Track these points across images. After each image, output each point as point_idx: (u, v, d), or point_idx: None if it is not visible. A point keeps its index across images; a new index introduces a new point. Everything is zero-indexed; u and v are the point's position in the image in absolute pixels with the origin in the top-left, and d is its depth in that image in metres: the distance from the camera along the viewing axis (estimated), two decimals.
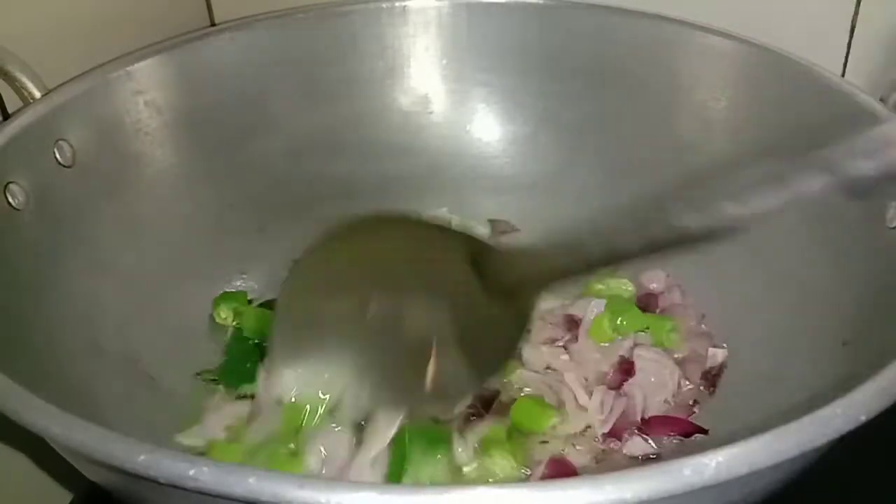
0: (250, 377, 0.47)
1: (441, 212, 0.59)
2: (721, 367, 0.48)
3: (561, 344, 0.49)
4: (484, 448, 0.42)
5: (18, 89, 0.45)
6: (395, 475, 0.39)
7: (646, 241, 0.37)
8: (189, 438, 0.44)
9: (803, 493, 0.33)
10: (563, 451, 0.44)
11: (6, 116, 0.47)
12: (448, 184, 0.59)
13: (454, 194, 0.59)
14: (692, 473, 0.24)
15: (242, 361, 0.48)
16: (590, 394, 0.46)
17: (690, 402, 0.47)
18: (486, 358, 0.42)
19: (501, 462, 0.41)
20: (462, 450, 0.41)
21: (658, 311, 0.52)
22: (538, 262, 0.42)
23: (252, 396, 0.47)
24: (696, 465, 0.25)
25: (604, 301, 0.51)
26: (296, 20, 0.56)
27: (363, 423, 0.41)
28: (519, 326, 0.43)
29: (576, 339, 0.49)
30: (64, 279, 0.43)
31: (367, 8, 0.57)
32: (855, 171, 0.31)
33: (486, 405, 0.44)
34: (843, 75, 0.56)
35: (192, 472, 0.25)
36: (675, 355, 0.49)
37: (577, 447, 0.44)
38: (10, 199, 0.41)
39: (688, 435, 0.45)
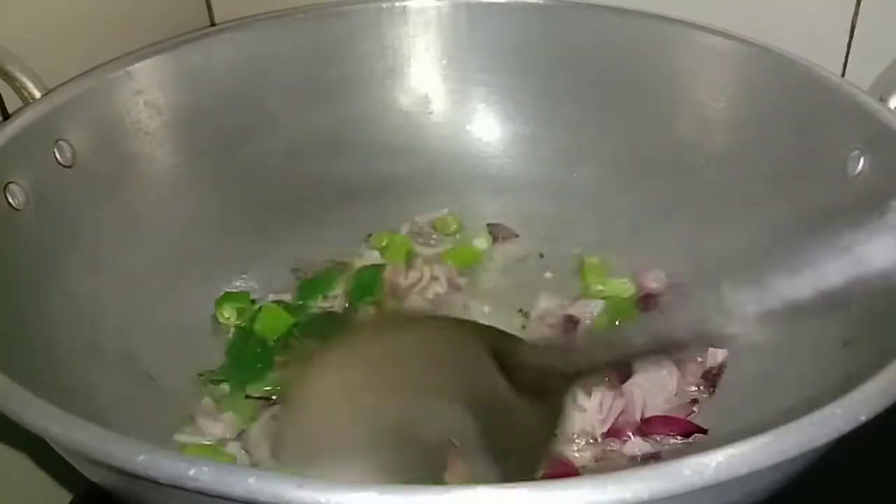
0: (260, 377, 0.48)
1: (441, 213, 0.59)
2: (721, 367, 0.48)
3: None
4: None
5: (18, 89, 0.45)
6: None
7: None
8: (189, 437, 0.44)
9: (803, 493, 0.33)
10: (563, 451, 0.44)
11: (6, 116, 0.47)
12: (448, 184, 0.59)
13: (454, 194, 0.59)
14: (692, 473, 0.24)
15: (252, 362, 0.49)
16: (589, 394, 0.46)
17: (690, 402, 0.47)
18: (516, 457, 0.39)
19: None
20: None
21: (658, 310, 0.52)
22: (568, 355, 0.42)
23: (261, 398, 0.47)
24: (696, 465, 0.25)
25: (602, 302, 0.51)
26: (296, 20, 0.56)
27: None
28: (551, 421, 0.41)
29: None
30: (64, 279, 0.43)
31: (367, 8, 0.57)
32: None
33: None
34: (843, 75, 0.56)
35: (192, 472, 0.25)
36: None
37: (577, 447, 0.44)
38: (10, 199, 0.41)
39: (688, 435, 0.45)
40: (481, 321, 0.47)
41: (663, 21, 0.54)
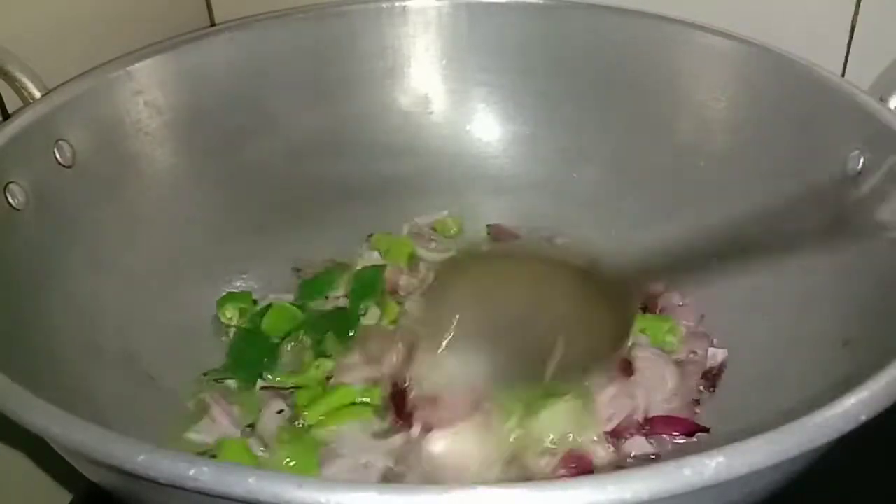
0: (268, 370, 0.48)
1: (441, 215, 0.59)
2: (721, 367, 0.48)
3: None
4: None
5: (18, 89, 0.45)
6: None
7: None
8: (197, 435, 0.44)
9: (803, 493, 0.33)
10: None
11: (6, 116, 0.47)
12: (448, 184, 0.59)
13: (454, 194, 0.59)
14: (692, 473, 0.24)
15: (257, 358, 0.49)
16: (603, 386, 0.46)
17: (693, 403, 0.47)
18: (596, 352, 0.47)
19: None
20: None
21: (658, 311, 0.52)
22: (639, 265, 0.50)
23: (278, 388, 0.47)
24: (696, 465, 0.25)
25: None
26: (296, 20, 0.56)
27: None
28: (627, 321, 0.49)
29: None
30: (64, 279, 0.43)
31: (367, 8, 0.57)
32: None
33: None
34: (843, 75, 0.56)
35: (191, 472, 0.25)
36: (675, 356, 0.49)
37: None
38: (10, 199, 0.41)
39: (690, 434, 0.45)
40: None
41: (663, 21, 0.54)
